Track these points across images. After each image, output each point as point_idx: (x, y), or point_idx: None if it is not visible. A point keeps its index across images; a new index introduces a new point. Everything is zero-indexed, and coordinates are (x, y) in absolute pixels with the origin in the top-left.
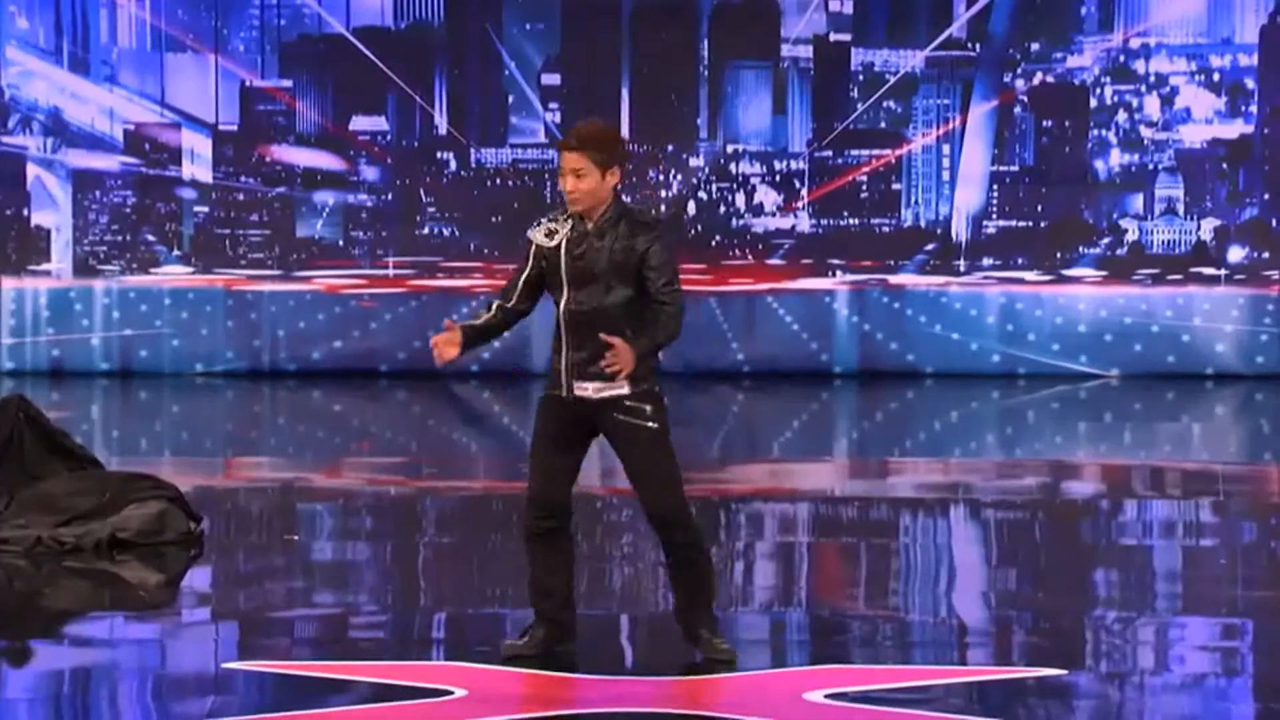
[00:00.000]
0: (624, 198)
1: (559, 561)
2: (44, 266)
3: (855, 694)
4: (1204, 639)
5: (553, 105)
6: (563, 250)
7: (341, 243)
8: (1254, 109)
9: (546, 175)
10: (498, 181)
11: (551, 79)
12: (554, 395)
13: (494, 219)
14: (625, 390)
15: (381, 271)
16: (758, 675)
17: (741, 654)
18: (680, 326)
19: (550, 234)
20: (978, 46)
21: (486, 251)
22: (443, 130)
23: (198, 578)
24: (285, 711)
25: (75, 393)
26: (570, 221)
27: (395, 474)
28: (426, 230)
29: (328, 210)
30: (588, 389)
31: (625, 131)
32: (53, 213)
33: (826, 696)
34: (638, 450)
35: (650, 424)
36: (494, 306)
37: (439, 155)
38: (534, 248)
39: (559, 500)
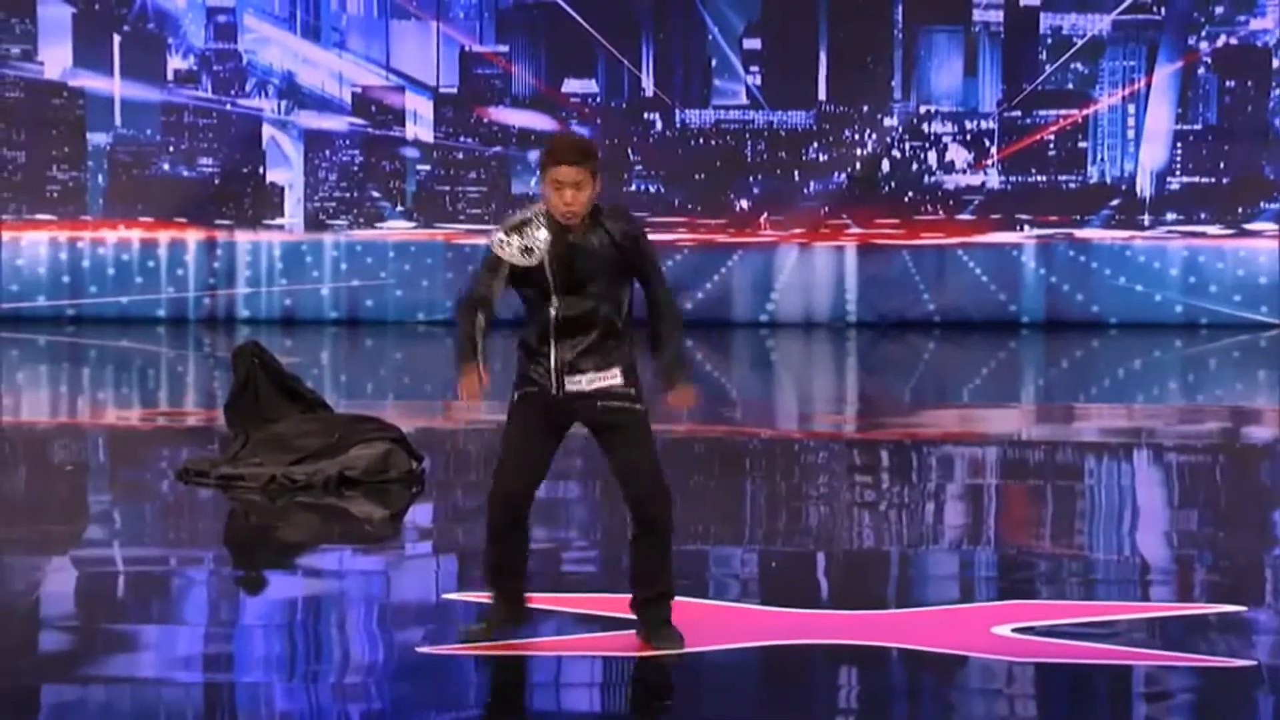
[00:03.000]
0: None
1: (522, 544)
2: (278, 221)
3: (1042, 628)
4: None
5: (753, 68)
6: (547, 263)
7: None
8: None
9: (747, 135)
10: (700, 141)
11: (753, 43)
12: (534, 393)
13: (697, 176)
14: (619, 379)
15: None
16: (948, 610)
17: (932, 589)
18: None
19: (526, 251)
20: (1163, 10)
21: (690, 207)
22: (649, 92)
23: (419, 513)
24: (498, 640)
25: (306, 340)
26: (545, 234)
27: None
28: (633, 187)
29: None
30: (580, 382)
31: (822, 94)
32: (286, 171)
33: (1014, 630)
34: (629, 432)
35: (638, 405)
36: (480, 320)
37: (645, 116)
38: (504, 265)
39: (530, 494)
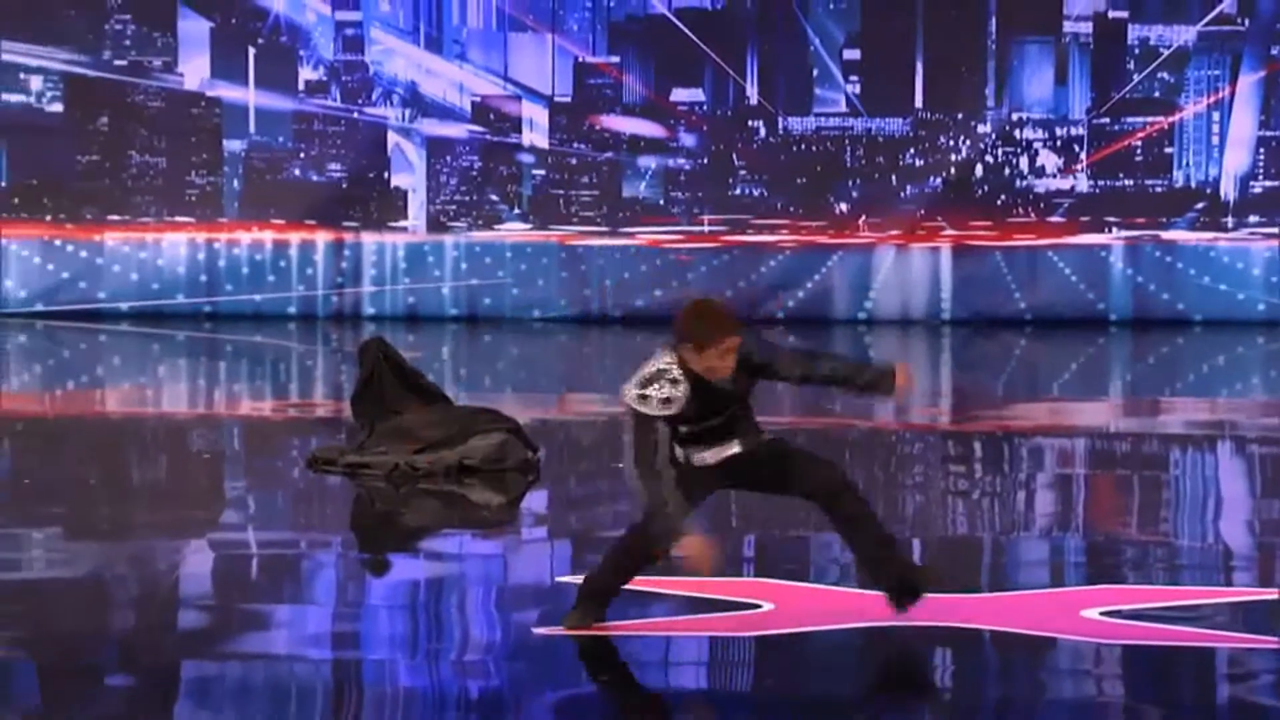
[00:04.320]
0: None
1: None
2: (401, 223)
3: (1129, 611)
4: None
5: (853, 78)
6: (685, 407)
7: (662, 202)
8: None
9: (846, 141)
10: (802, 146)
11: (852, 53)
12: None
13: (798, 180)
14: (738, 449)
15: (698, 228)
16: (1038, 594)
17: (1023, 574)
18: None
19: (665, 403)
20: (1246, 21)
21: (792, 210)
22: (753, 100)
23: (535, 500)
24: (611, 620)
25: (428, 336)
26: (685, 386)
27: None
28: (738, 191)
29: (650, 173)
30: (706, 457)
31: (919, 102)
32: (409, 175)
33: (1102, 613)
34: (776, 449)
35: (768, 433)
36: (669, 477)
37: (750, 123)
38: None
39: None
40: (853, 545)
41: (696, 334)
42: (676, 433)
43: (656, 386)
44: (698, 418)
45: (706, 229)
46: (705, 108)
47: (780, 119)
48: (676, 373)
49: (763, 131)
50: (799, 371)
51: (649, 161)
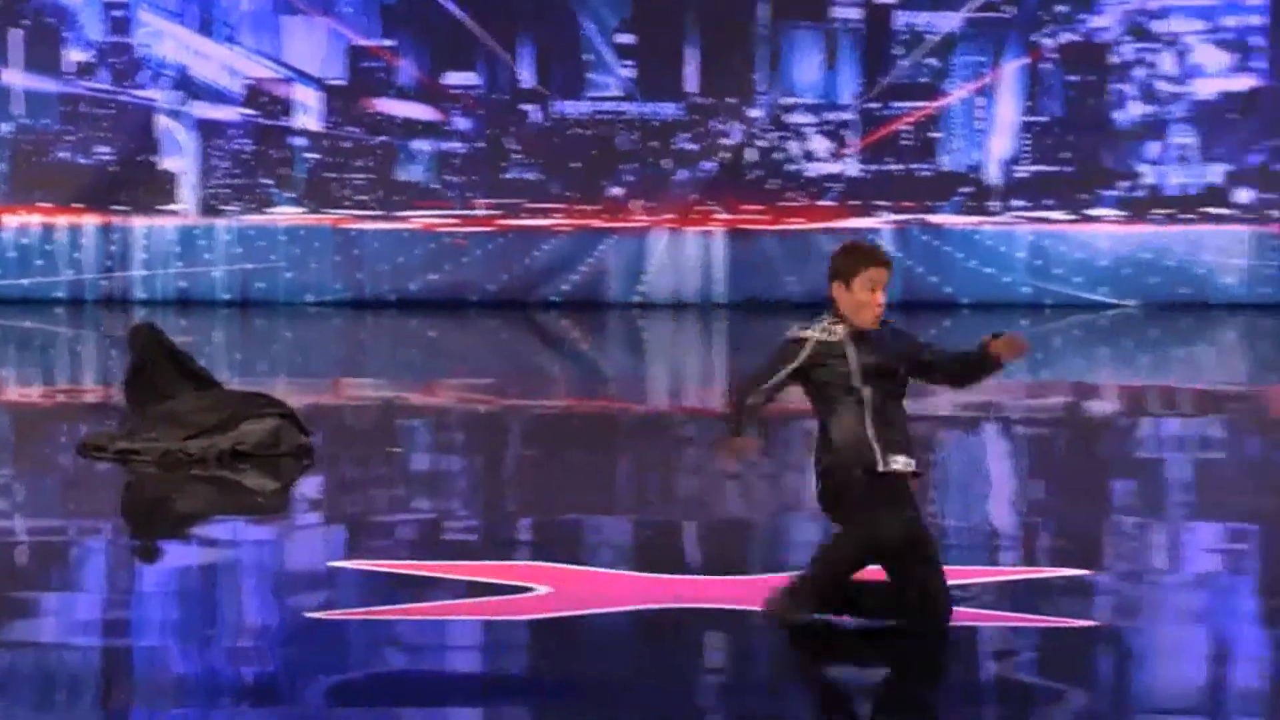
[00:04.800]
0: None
1: None
2: (172, 206)
3: None
4: (1212, 542)
5: (626, 62)
6: (850, 356)
7: (436, 186)
8: (1262, 65)
9: (620, 125)
10: (576, 130)
11: (625, 38)
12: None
13: (572, 164)
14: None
15: (472, 212)
16: None
17: (793, 556)
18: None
19: (827, 331)
20: (1014, 9)
21: (566, 194)
22: (527, 84)
23: (309, 486)
24: (385, 605)
25: (200, 320)
26: (840, 325)
27: (484, 394)
28: (512, 175)
29: (424, 156)
30: (898, 462)
31: (692, 86)
32: (180, 159)
33: None
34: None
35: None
36: (754, 400)
37: (523, 107)
38: (812, 342)
39: None
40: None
41: (843, 267)
42: (871, 408)
43: (818, 322)
44: (876, 372)
45: (481, 213)
46: (479, 91)
47: (554, 103)
48: (831, 320)
49: (536, 115)
50: (950, 357)
51: (423, 145)
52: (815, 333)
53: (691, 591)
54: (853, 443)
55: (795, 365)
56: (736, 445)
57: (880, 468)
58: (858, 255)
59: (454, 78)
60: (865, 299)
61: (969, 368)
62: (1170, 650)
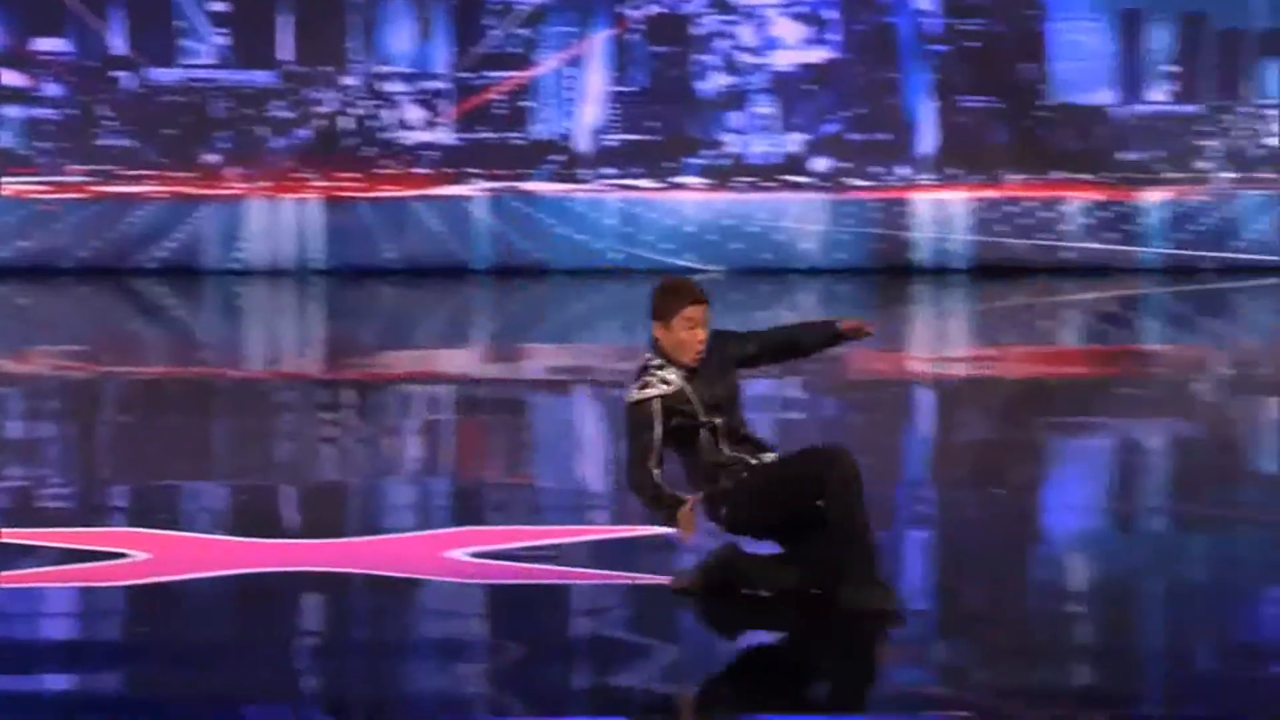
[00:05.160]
0: None
1: None
2: None
3: (493, 552)
4: None
5: (221, 29)
6: (689, 393)
7: (26, 152)
8: (837, 37)
9: (214, 93)
10: (169, 98)
11: (219, 5)
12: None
13: (166, 131)
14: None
15: (64, 179)
16: (405, 537)
17: (391, 518)
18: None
19: (666, 383)
20: None
21: (160, 161)
22: (119, 51)
23: None
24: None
25: None
26: (671, 369)
27: (78, 361)
28: (104, 142)
29: (14, 123)
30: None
31: (288, 54)
32: None
33: (467, 554)
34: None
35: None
36: (657, 474)
37: (115, 74)
38: (656, 400)
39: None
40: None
41: (661, 307)
42: (722, 433)
43: (646, 378)
44: (716, 402)
45: (73, 179)
46: (70, 58)
47: (146, 70)
48: (659, 361)
49: (129, 83)
50: (778, 339)
51: (12, 111)
52: (654, 391)
53: (289, 555)
54: (715, 465)
55: (660, 427)
56: (684, 517)
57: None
58: (675, 294)
59: (43, 44)
60: (685, 338)
61: (805, 349)
62: (748, 602)
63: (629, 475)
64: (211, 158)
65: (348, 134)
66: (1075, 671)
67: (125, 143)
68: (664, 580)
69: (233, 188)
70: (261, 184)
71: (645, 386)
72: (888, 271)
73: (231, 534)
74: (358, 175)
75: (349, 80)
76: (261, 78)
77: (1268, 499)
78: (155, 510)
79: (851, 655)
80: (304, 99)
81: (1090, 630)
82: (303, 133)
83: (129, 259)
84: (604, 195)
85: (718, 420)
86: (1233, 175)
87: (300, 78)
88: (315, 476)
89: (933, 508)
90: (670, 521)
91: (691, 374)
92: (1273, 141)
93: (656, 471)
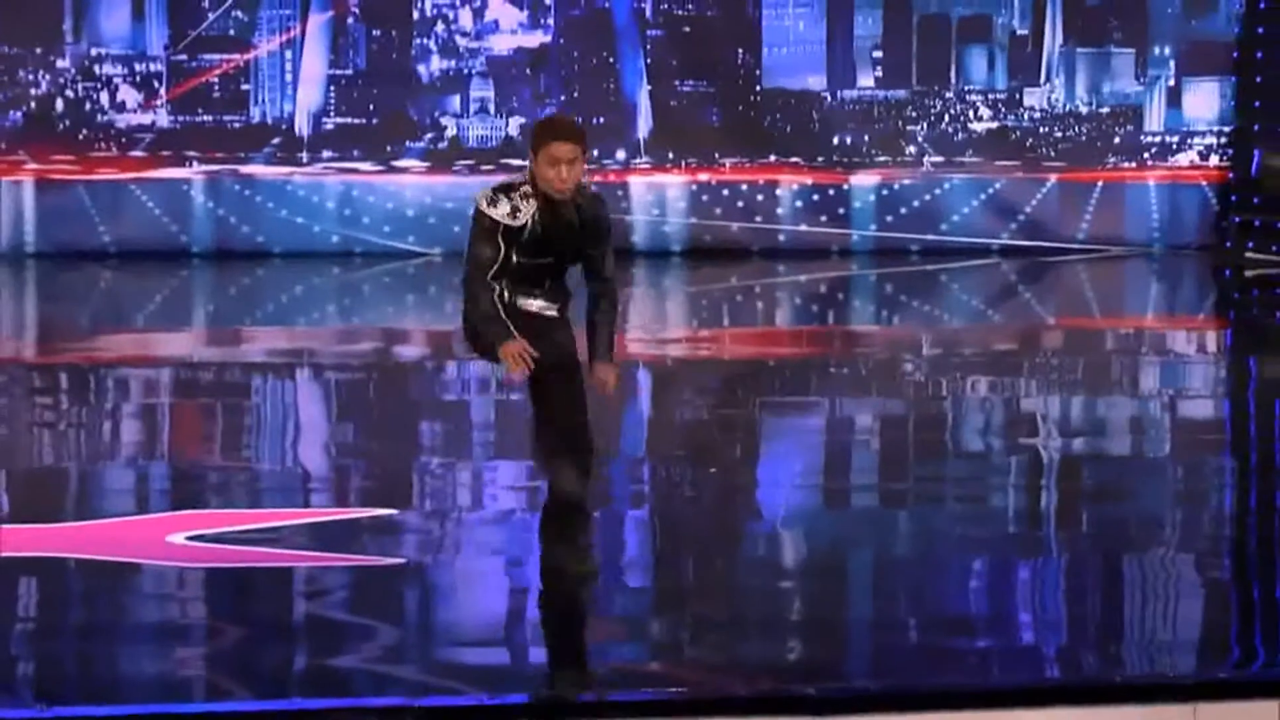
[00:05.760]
0: None
1: None
2: None
3: (213, 535)
4: (511, 481)
5: None
6: (529, 229)
7: None
8: (551, 21)
9: None
10: None
11: None
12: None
13: None
14: (554, 313)
15: None
16: (125, 521)
17: (112, 502)
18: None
19: (514, 213)
20: None
21: None
22: None
23: None
24: None
25: None
26: (533, 202)
27: None
28: None
29: None
30: (531, 306)
31: None
32: None
33: (188, 538)
34: (566, 366)
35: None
36: (496, 289)
37: None
38: (498, 226)
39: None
40: None
41: (532, 140)
42: (509, 266)
43: (508, 197)
44: (534, 248)
45: None
46: None
47: None
48: (527, 189)
49: None
50: (597, 274)
51: None
52: (499, 213)
53: (4, 541)
54: (513, 305)
55: (497, 252)
56: (516, 349)
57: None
58: (545, 129)
59: None
60: (547, 173)
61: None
62: (471, 583)
63: (467, 281)
64: None
65: (61, 116)
66: (786, 645)
67: None
68: (385, 561)
69: None
70: None
71: (495, 204)
72: None
73: None
74: (72, 157)
75: (62, 62)
76: None
77: (967, 474)
78: None
79: (567, 633)
80: (17, 80)
81: (799, 604)
82: (15, 115)
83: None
84: (324, 178)
85: (541, 260)
86: (939, 160)
87: (12, 59)
88: (31, 461)
89: (647, 486)
90: (492, 352)
91: (549, 209)
92: (978, 127)
93: (495, 284)
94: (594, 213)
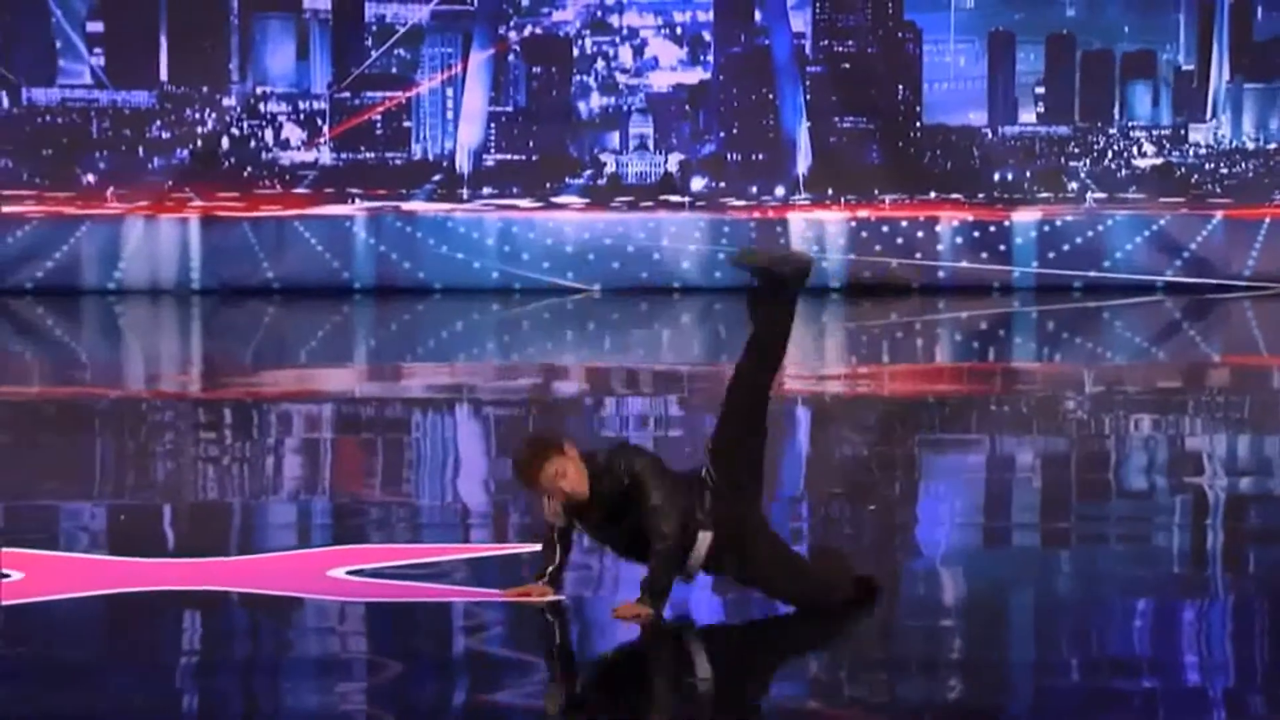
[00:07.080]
0: None
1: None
2: None
3: (372, 569)
4: None
5: (97, 50)
6: (576, 527)
7: None
8: (711, 58)
9: (92, 113)
10: (47, 118)
11: (95, 26)
12: None
13: (44, 152)
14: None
15: None
16: (286, 555)
17: (273, 537)
18: (670, 574)
19: (555, 516)
20: (475, 1)
21: (38, 181)
22: None
23: None
24: None
25: None
26: (560, 505)
27: None
28: None
29: None
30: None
31: (165, 75)
32: None
33: (348, 573)
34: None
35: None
36: (558, 552)
37: None
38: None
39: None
40: None
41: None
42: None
43: (550, 500)
44: (597, 536)
45: None
46: None
47: (24, 90)
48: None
49: (5, 102)
50: (655, 539)
51: None
52: (551, 518)
53: (168, 575)
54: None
55: (557, 547)
56: (530, 591)
57: None
58: (517, 475)
59: None
60: (551, 505)
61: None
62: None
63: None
64: (90, 178)
65: (226, 154)
66: (946, 685)
67: (2, 162)
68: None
69: (112, 207)
70: (140, 203)
71: (545, 507)
72: None
73: (110, 553)
74: (237, 194)
75: (228, 101)
76: (140, 98)
77: (1130, 513)
78: (31, 530)
79: (722, 671)
80: (183, 119)
81: (960, 644)
82: (182, 153)
83: (7, 280)
84: (483, 214)
85: (606, 547)
86: (1102, 196)
87: (179, 98)
88: (195, 495)
89: (805, 523)
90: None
91: (575, 510)
92: (1141, 163)
93: (560, 547)
94: (616, 487)
